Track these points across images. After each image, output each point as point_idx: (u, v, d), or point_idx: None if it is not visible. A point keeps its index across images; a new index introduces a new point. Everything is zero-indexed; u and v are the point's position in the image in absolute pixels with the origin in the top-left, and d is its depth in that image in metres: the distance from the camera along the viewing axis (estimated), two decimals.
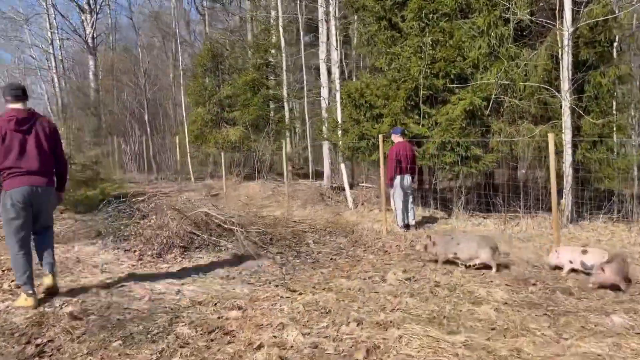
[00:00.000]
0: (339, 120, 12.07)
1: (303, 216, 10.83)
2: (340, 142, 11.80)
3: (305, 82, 17.27)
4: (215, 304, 4.40)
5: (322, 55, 15.02)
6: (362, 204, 12.66)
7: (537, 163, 10.51)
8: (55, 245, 6.50)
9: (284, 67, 17.71)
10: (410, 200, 9.08)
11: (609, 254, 5.36)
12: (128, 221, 7.28)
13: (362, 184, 15.42)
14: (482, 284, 5.27)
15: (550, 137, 6.19)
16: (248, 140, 17.35)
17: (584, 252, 5.69)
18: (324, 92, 15.06)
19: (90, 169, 12.65)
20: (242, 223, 7.96)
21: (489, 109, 10.41)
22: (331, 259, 6.68)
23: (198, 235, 6.84)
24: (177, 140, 18.07)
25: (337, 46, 13.12)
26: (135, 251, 6.14)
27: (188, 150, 18.81)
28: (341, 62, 14.58)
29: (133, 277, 5.22)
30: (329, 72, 15.07)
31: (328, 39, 14.45)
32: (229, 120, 18.39)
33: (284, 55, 17.51)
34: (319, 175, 17.07)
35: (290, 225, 9.06)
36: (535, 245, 7.43)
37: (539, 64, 9.90)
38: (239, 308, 4.36)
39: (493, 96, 10.23)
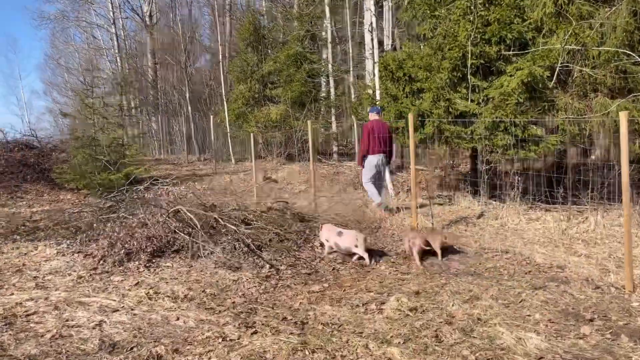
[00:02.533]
0: (377, 95, 10.62)
1: (333, 205, 9.60)
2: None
3: (350, 54, 15.82)
4: (131, 349, 3.32)
5: (367, 24, 13.50)
6: (406, 191, 11.26)
7: (614, 146, 8.63)
8: (19, 243, 5.84)
9: (329, 39, 16.33)
10: (387, 180, 9.03)
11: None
12: (112, 215, 6.38)
13: (413, 166, 13.94)
14: (514, 320, 3.85)
15: (623, 116, 4.55)
16: (290, 118, 16.21)
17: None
18: (369, 64, 13.57)
19: (115, 151, 12.03)
20: (247, 218, 6.88)
21: (553, 80, 8.62)
22: (333, 268, 5.45)
23: (179, 236, 5.81)
24: (211, 120, 17.26)
25: (374, 11, 11.58)
26: (95, 256, 5.22)
27: (228, 130, 17.98)
28: (385, 31, 13.01)
29: (64, 297, 4.26)
30: (380, 44, 13.57)
31: (377, 3, 12.87)
32: (271, 98, 17.33)
33: (328, 25, 16.12)
34: None
35: (308, 219, 7.86)
36: (603, 251, 5.82)
37: (618, 24, 8.00)
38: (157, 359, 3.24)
39: (558, 65, 8.45)
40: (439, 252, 5.83)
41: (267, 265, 5.38)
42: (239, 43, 18.27)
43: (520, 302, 4.31)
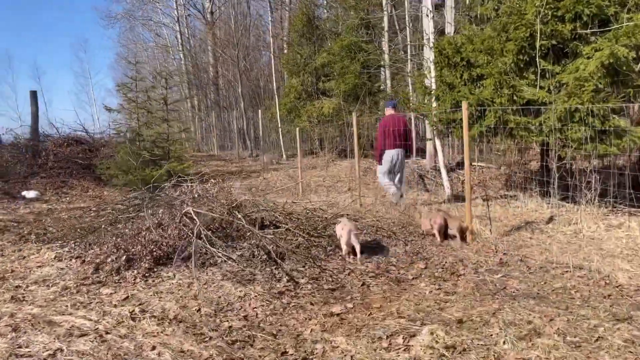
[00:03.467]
0: (432, 84, 9.57)
1: (378, 206, 8.70)
2: (432, 113, 9.33)
3: (409, 43, 14.75)
4: None
5: (425, 8, 12.40)
6: (463, 190, 10.15)
7: None
8: (25, 245, 5.39)
9: (386, 27, 15.31)
10: (398, 178, 8.67)
11: None
12: (131, 215, 5.84)
13: (475, 164, 12.74)
14: None
15: None
16: (343, 112, 15.38)
17: None
18: (426, 52, 12.45)
19: (159, 147, 11.69)
20: (275, 220, 6.15)
21: None
22: (363, 283, 4.58)
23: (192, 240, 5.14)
24: (259, 114, 16.68)
25: None
26: (91, 263, 4.66)
27: (279, 125, 17.40)
28: (447, 17, 11.85)
29: (35, 313, 3.66)
30: (442, 32, 12.45)
31: None
32: (324, 92, 16.56)
33: (385, 13, 15.11)
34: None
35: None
36: None
37: None
38: None
39: None
40: (457, 235, 6.08)
41: (285, 278, 4.60)
42: (292, 35, 17.63)
43: (595, 340, 3.28)
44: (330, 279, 4.64)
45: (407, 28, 14.62)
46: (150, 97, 11.57)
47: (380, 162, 8.59)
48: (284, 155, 17.66)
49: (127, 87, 11.23)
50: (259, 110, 17.25)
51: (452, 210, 8.20)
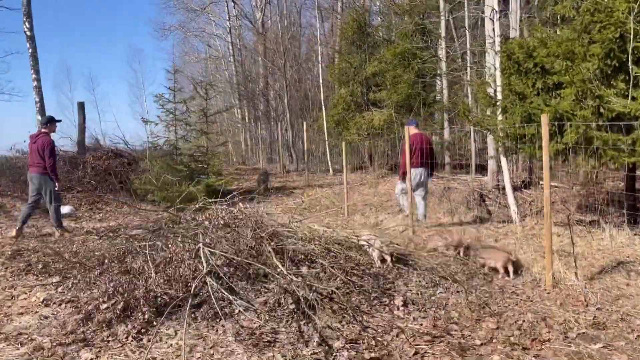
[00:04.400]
0: (498, 94, 8.38)
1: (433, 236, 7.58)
2: (498, 127, 8.13)
3: (468, 49, 13.53)
4: None
5: (488, 10, 11.18)
6: (536, 215, 8.87)
7: None
8: (21, 281, 4.65)
9: (443, 33, 14.16)
10: (422, 195, 8.61)
11: None
12: (141, 246, 5.03)
13: (548, 185, 11.31)
14: None
15: None
16: (395, 125, 14.29)
17: None
18: (489, 58, 11.22)
19: (197, 161, 11.03)
20: (311, 254, 5.19)
21: None
22: (416, 352, 3.51)
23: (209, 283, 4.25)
24: (304, 126, 15.78)
25: None
26: (80, 311, 3.83)
27: (326, 138, 16.46)
28: (511, 21, 10.60)
29: None
30: (506, 39, 11.21)
31: None
32: (375, 102, 15.54)
33: (442, 18, 13.97)
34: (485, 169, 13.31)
35: (398, 256, 5.94)
36: None
37: None
38: None
39: None
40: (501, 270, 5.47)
41: (316, 338, 3.61)
42: (342, 43, 16.75)
43: None
44: (373, 343, 3.61)
45: (467, 33, 13.40)
46: (189, 108, 10.92)
47: (402, 179, 8.53)
48: (331, 170, 16.72)
49: (165, 98, 10.64)
50: (304, 122, 16.37)
51: (521, 239, 6.99)
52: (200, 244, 4.38)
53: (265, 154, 22.03)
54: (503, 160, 8.70)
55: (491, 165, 11.59)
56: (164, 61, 62.43)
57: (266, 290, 4.40)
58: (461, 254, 6.16)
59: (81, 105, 16.01)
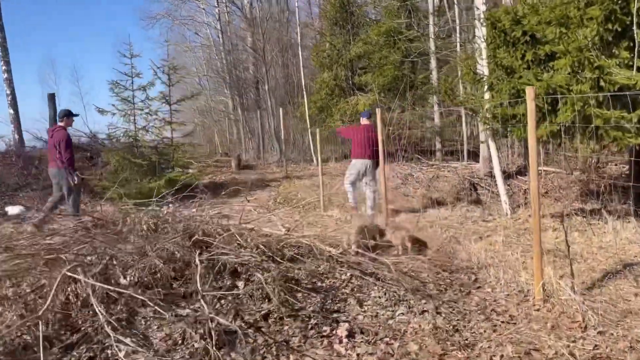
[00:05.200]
0: (484, 70, 7.38)
1: (410, 230, 6.65)
2: (484, 107, 7.13)
3: (457, 25, 12.48)
4: None
5: None
6: (527, 206, 7.92)
7: None
8: None
9: (431, 8, 13.09)
10: (372, 188, 8.10)
11: None
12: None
13: (542, 168, 10.31)
14: None
15: None
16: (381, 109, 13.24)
17: None
18: (479, 31, 10.17)
19: (162, 154, 10.07)
20: (259, 266, 4.26)
21: None
22: None
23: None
24: (280, 113, 14.69)
25: None
26: None
27: (309, 125, 15.44)
28: None
29: None
30: (495, 4, 10.12)
31: None
32: (360, 87, 14.51)
33: None
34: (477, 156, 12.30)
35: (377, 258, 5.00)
36: None
37: None
38: None
39: None
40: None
41: None
42: (324, 23, 15.68)
43: None
44: None
45: (456, 7, 12.35)
46: (150, 96, 9.95)
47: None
48: (315, 160, 15.73)
49: (121, 86, 9.65)
50: (280, 110, 15.28)
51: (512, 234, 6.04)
52: (65, 270, 3.42)
53: (253, 144, 21.00)
54: (491, 144, 7.73)
55: (483, 150, 10.58)
56: (152, 51, 60.50)
57: (180, 318, 3.46)
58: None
59: (51, 97, 15.04)
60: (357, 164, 8.05)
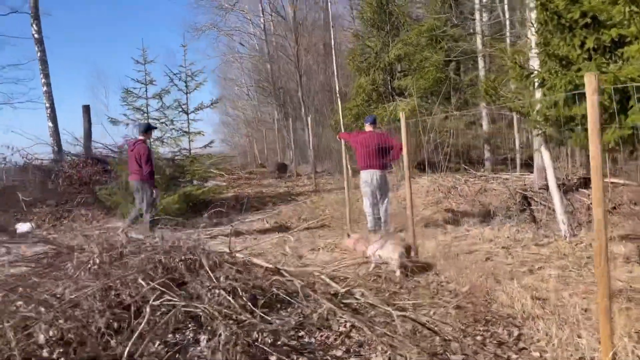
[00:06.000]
0: (534, 64, 6.14)
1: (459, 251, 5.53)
2: (534, 108, 5.88)
3: (507, 20, 11.19)
4: None
5: None
6: (590, 225, 6.56)
7: None
8: None
9: (477, 3, 11.85)
10: (384, 201, 7.29)
11: None
12: None
13: (609, 180, 8.80)
14: None
15: None
16: (420, 115, 12.10)
17: None
18: (531, 17, 8.87)
19: (180, 165, 9.36)
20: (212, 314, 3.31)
21: None
22: None
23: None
24: (308, 121, 13.61)
25: None
26: None
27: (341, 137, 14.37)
28: None
29: None
30: None
31: None
32: (401, 92, 13.37)
33: None
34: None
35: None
36: None
37: None
38: None
39: None
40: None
41: None
42: (361, 24, 14.66)
43: None
44: None
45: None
46: (165, 104, 9.27)
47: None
48: (351, 172, 14.62)
49: (134, 94, 9.00)
50: (306, 117, 14.24)
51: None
52: None
53: (292, 155, 20.12)
54: (545, 152, 6.44)
55: (537, 160, 9.21)
56: (199, 63, 61.09)
57: None
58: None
59: (86, 109, 14.80)
60: (364, 177, 7.25)
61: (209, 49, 55.15)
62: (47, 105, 17.60)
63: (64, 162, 10.88)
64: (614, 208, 8.09)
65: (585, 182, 9.30)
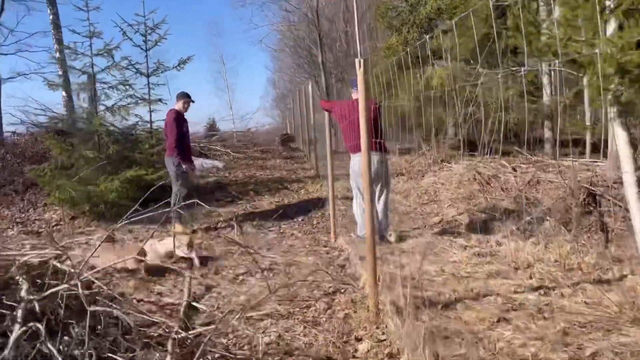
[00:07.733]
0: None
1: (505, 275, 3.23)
2: (600, 57, 3.36)
3: None
4: None
5: None
6: None
7: None
8: None
9: None
10: (382, 194, 5.30)
11: None
12: None
13: None
14: None
15: None
16: (464, 82, 9.57)
17: None
18: None
19: (126, 142, 7.47)
20: None
21: None
22: None
23: None
24: (309, 91, 11.01)
25: None
26: None
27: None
28: None
29: None
30: None
31: None
32: (439, 55, 10.78)
33: None
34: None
35: None
36: None
37: None
38: None
39: None
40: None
41: None
42: None
43: None
44: None
45: None
46: (118, 64, 7.34)
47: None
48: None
49: (74, 51, 7.12)
50: (307, 84, 11.69)
51: None
52: None
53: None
54: (618, 130, 3.84)
55: (612, 142, 6.51)
56: (243, 33, 59.57)
57: None
58: None
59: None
60: (352, 164, 5.38)
61: (257, 17, 53.35)
62: (60, 73, 16.33)
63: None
64: None
65: None
